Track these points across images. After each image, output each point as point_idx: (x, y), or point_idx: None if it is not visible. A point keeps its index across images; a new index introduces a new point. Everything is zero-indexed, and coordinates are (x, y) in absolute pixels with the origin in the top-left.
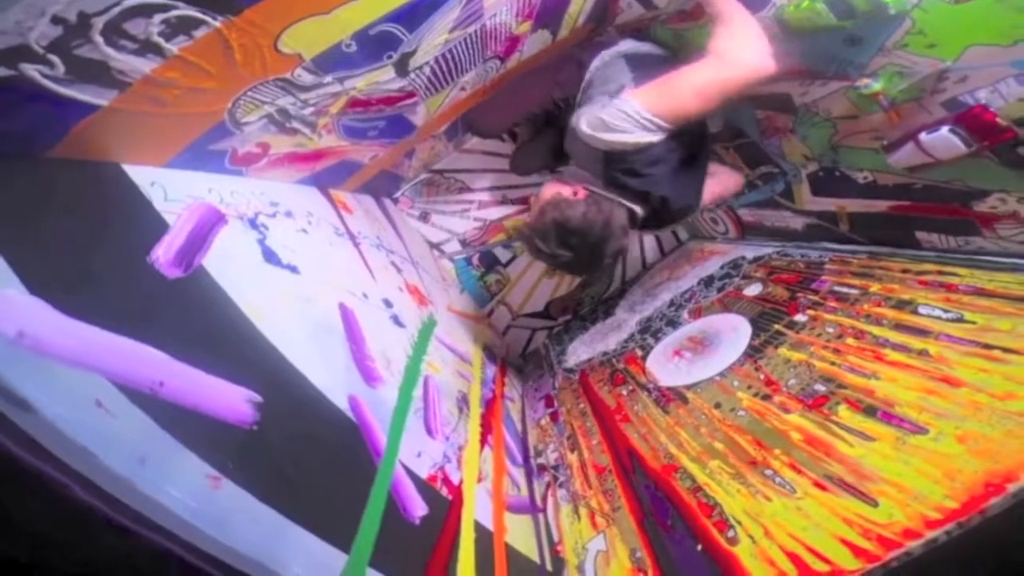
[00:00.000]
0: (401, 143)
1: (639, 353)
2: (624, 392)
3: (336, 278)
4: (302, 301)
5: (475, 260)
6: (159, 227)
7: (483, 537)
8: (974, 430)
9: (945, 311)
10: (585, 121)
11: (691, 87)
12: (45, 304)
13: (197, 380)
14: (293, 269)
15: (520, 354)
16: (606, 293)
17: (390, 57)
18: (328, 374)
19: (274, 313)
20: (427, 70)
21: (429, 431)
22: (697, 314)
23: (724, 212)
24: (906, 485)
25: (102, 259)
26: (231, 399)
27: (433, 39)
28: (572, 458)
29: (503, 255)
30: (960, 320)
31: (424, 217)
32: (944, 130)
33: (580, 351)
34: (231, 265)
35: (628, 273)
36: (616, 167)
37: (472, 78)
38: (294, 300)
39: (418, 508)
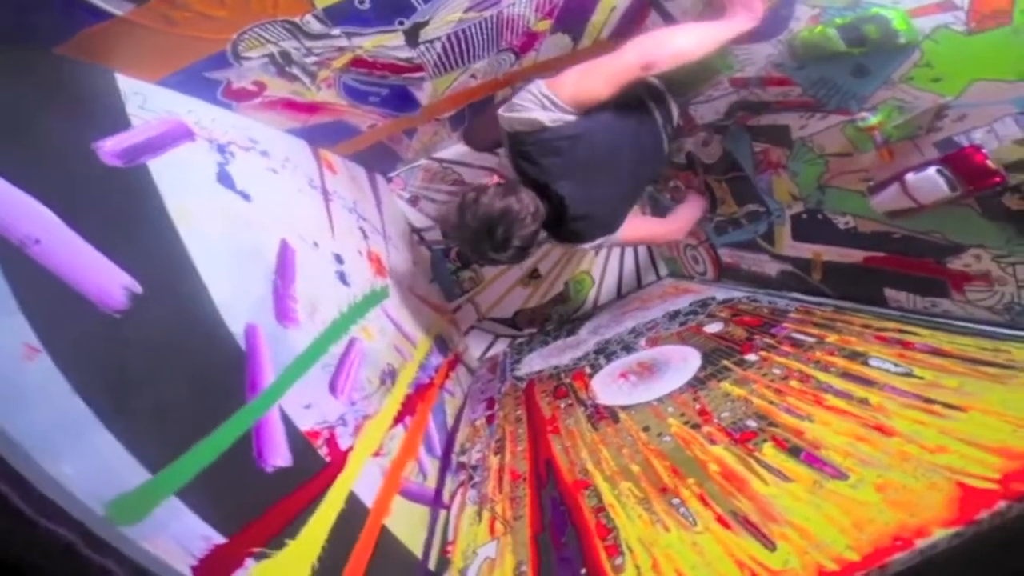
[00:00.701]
0: (403, 118)
1: (588, 371)
2: (562, 405)
3: (290, 219)
4: (240, 224)
5: (453, 254)
6: (122, 127)
7: (354, 511)
8: (895, 480)
9: (896, 365)
10: (504, 107)
11: (587, 68)
12: None
13: (78, 250)
14: (245, 196)
15: (478, 356)
16: (576, 313)
17: (401, 23)
18: (234, 295)
19: (202, 223)
20: (438, 46)
21: (333, 389)
22: (654, 343)
23: (706, 250)
24: (811, 531)
25: (49, 136)
26: (106, 280)
27: (447, 15)
28: (493, 461)
29: None
30: (909, 375)
31: (413, 201)
32: (931, 170)
33: (534, 362)
34: (178, 173)
35: (601, 299)
36: (516, 150)
37: (484, 67)
38: (232, 221)
39: (278, 457)
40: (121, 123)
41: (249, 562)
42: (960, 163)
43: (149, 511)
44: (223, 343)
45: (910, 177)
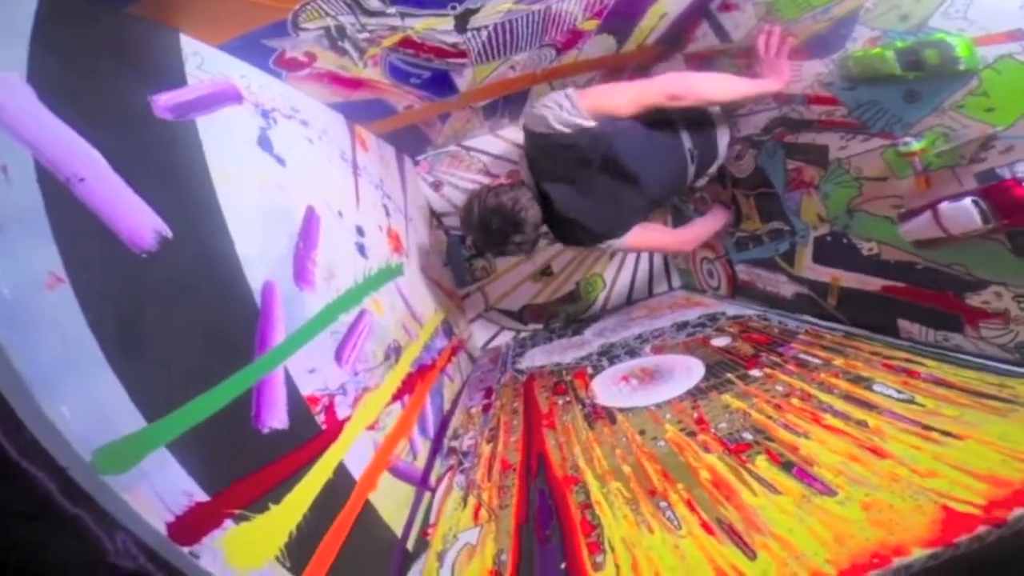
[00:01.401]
0: (439, 102)
1: (590, 371)
2: (560, 401)
3: (318, 188)
4: (273, 187)
5: (469, 241)
6: (178, 84)
7: (341, 482)
8: (882, 499)
9: (899, 391)
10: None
11: (618, 86)
12: (31, 91)
13: (119, 193)
14: (280, 160)
15: (481, 345)
16: (583, 314)
17: (454, 8)
18: (258, 251)
19: (237, 182)
20: (484, 34)
21: (338, 357)
22: (659, 350)
23: (722, 265)
24: (793, 543)
25: (110, 85)
26: (140, 221)
27: (498, 4)
28: (485, 449)
29: None
30: (911, 401)
31: (436, 186)
32: (966, 200)
33: (537, 357)
34: (223, 132)
35: (611, 303)
36: (526, 147)
37: (524, 59)
38: (266, 182)
39: (275, 419)
40: (178, 80)
41: (228, 523)
42: (999, 195)
43: (137, 461)
44: (241, 296)
45: (944, 206)
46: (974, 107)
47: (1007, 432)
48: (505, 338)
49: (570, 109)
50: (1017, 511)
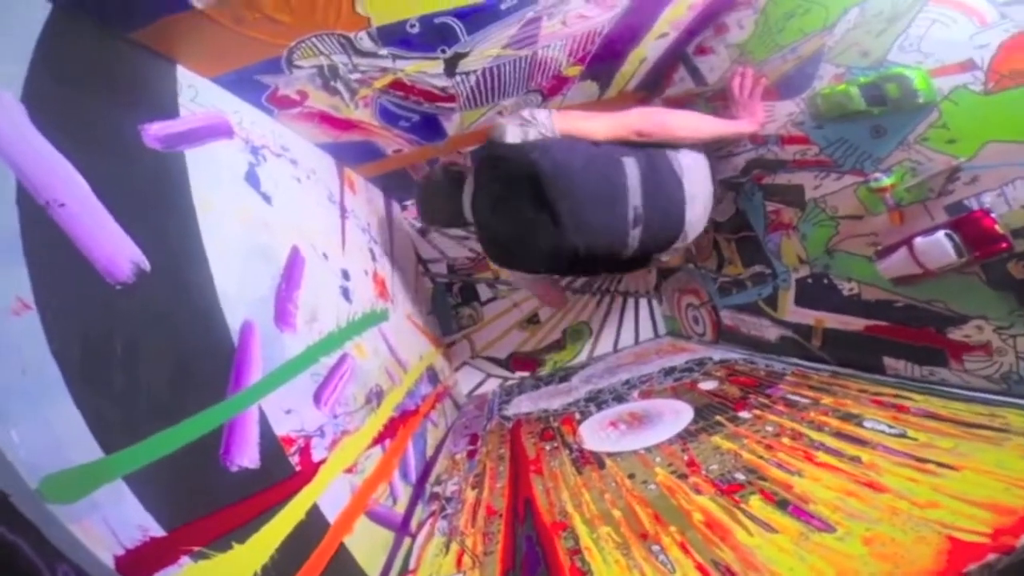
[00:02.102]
0: (428, 147)
1: (577, 417)
2: (547, 447)
3: (305, 228)
4: (258, 224)
5: (455, 289)
6: (171, 115)
7: (314, 524)
8: (884, 533)
9: (890, 426)
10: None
11: (596, 115)
12: (23, 110)
13: (99, 221)
14: (267, 198)
15: (467, 392)
16: (571, 362)
17: (444, 51)
18: (238, 289)
19: (222, 217)
20: (472, 79)
21: (317, 399)
22: (647, 395)
23: (707, 312)
24: None
25: (102, 111)
26: (118, 252)
27: (486, 49)
28: (470, 495)
29: (484, 293)
30: (903, 436)
31: (423, 232)
32: (940, 234)
33: (524, 404)
34: (211, 166)
35: (597, 350)
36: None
37: (511, 104)
38: (251, 219)
39: (245, 458)
40: (171, 111)
41: (185, 560)
42: (968, 227)
43: (88, 492)
44: (217, 334)
45: (919, 241)
46: (937, 139)
47: (1003, 460)
48: (491, 385)
49: (545, 124)
50: None
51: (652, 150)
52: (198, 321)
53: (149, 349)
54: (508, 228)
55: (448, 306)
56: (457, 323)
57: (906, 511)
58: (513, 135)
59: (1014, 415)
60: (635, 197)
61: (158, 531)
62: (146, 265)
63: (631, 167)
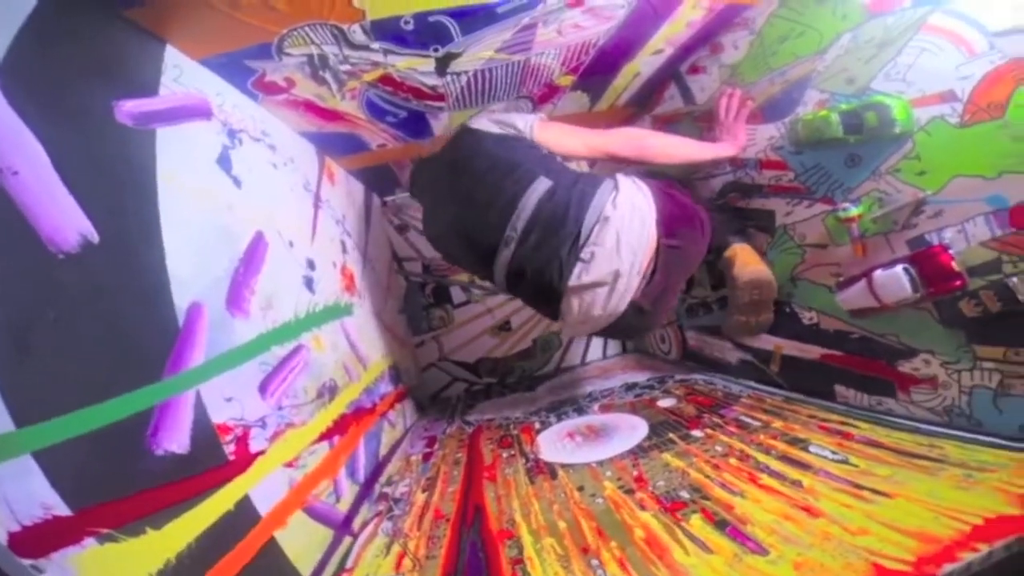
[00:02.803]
0: (413, 144)
1: (537, 426)
2: (504, 454)
3: (273, 214)
4: (222, 206)
5: (428, 289)
6: (149, 93)
7: (243, 515)
8: (814, 558)
9: (834, 452)
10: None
11: (578, 130)
12: None
13: (51, 191)
14: (237, 181)
15: (431, 395)
16: (539, 371)
17: (436, 50)
18: (191, 269)
19: (184, 196)
20: (463, 79)
21: (263, 389)
22: (607, 409)
23: (674, 331)
24: None
25: (78, 85)
26: (65, 222)
27: (479, 51)
28: (420, 497)
29: (458, 296)
30: (845, 462)
31: (402, 229)
32: (898, 268)
33: (487, 410)
34: (182, 146)
35: (565, 362)
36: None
37: (501, 109)
38: (215, 201)
39: (173, 443)
40: (150, 89)
41: (89, 541)
42: (926, 262)
43: None
44: (161, 313)
45: (877, 274)
46: (908, 171)
47: (936, 490)
48: (457, 389)
49: (524, 131)
50: (947, 567)
51: (586, 185)
52: (143, 298)
53: (85, 323)
54: (430, 199)
55: (420, 306)
56: (427, 324)
57: (837, 537)
58: (480, 123)
59: (952, 446)
60: (520, 219)
61: (63, 510)
62: (95, 237)
63: (539, 186)
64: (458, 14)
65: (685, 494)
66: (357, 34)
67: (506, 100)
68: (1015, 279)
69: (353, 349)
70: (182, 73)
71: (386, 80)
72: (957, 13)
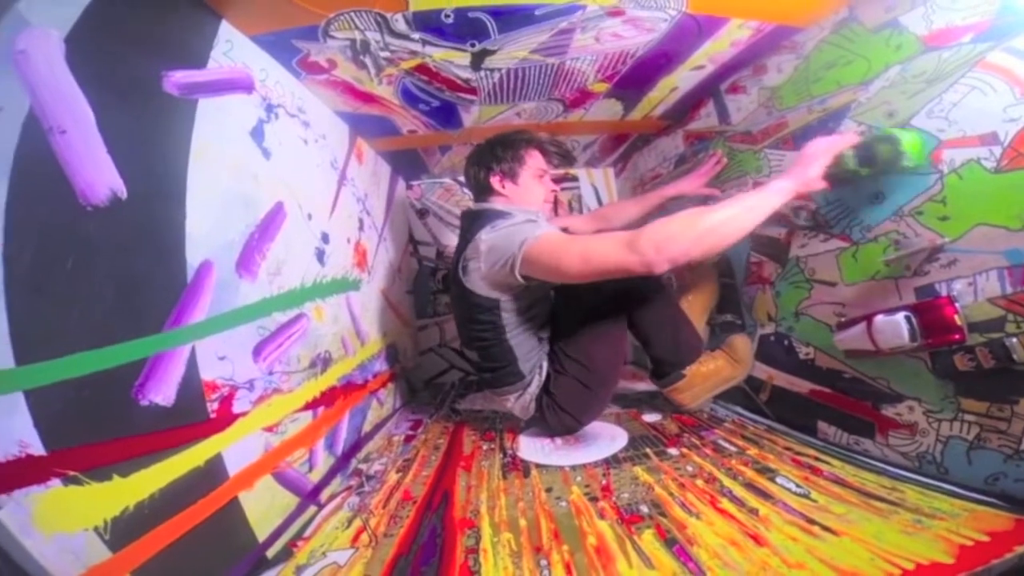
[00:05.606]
0: (442, 133)
1: (521, 424)
2: (484, 447)
3: (296, 187)
4: (248, 174)
5: (439, 275)
6: (198, 65)
7: (211, 473)
8: None
9: (798, 486)
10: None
11: (573, 242)
12: (63, 49)
13: (92, 149)
14: (266, 153)
15: (426, 380)
16: None
17: (473, 45)
18: (207, 230)
19: (214, 162)
20: (496, 76)
21: (257, 352)
22: None
23: None
24: None
25: (133, 52)
26: (99, 177)
27: (514, 50)
28: (392, 477)
29: None
30: (805, 496)
31: (422, 213)
32: (899, 316)
33: (477, 402)
34: (220, 115)
35: None
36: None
37: (531, 108)
38: (241, 169)
39: (159, 395)
40: (200, 61)
41: (54, 482)
42: (929, 313)
43: None
44: (172, 268)
45: (879, 319)
46: (930, 214)
47: (882, 532)
48: (453, 377)
49: (508, 268)
50: None
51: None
52: (158, 253)
53: (100, 271)
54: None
55: (428, 291)
56: (433, 308)
57: (775, 568)
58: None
59: (912, 491)
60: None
61: (38, 449)
62: (123, 194)
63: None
64: (497, 12)
65: (645, 508)
66: (399, 23)
67: (537, 100)
68: (1015, 339)
69: (354, 324)
70: (232, 47)
71: (422, 69)
72: (1019, 51)
